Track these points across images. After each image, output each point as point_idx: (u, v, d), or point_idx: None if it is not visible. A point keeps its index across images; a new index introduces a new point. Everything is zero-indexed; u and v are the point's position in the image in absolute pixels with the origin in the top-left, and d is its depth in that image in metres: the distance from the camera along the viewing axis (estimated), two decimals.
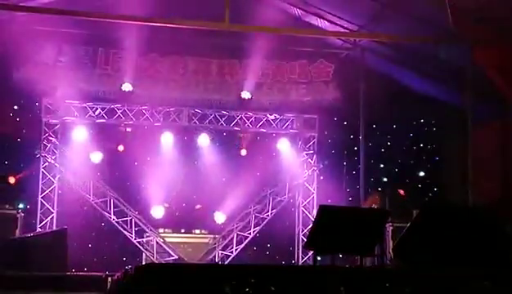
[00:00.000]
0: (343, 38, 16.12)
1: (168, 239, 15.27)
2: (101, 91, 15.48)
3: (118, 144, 15.83)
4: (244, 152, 16.26)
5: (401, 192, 15.28)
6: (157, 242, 15.23)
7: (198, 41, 15.27)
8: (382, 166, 16.69)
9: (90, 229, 15.34)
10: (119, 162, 15.83)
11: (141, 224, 15.35)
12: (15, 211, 13.40)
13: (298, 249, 16.20)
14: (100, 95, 15.49)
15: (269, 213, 16.02)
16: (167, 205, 15.82)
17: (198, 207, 16.01)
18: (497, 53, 13.20)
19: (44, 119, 15.43)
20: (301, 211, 16.40)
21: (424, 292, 6.63)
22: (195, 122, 16.01)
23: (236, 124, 16.15)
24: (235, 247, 15.64)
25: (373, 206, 13.96)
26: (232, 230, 15.68)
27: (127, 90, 15.34)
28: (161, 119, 15.87)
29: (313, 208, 15.99)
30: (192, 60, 15.89)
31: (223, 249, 15.51)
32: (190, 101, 15.94)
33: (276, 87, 16.17)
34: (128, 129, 15.96)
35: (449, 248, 7.36)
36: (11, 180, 14.50)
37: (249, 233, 15.80)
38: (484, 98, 14.20)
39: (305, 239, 14.36)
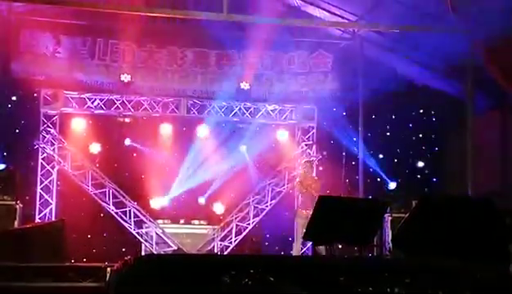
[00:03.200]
0: (341, 29, 16.10)
1: (167, 230, 15.27)
2: (99, 82, 15.47)
3: (117, 135, 15.84)
4: (244, 148, 16.17)
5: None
6: (156, 233, 15.24)
7: (196, 31, 15.25)
8: (381, 156, 16.68)
9: (89, 220, 15.33)
10: (118, 153, 15.82)
11: (140, 215, 15.36)
12: (13, 202, 13.39)
13: None
14: (98, 85, 15.48)
15: (268, 204, 16.01)
16: (166, 196, 15.81)
17: (202, 201, 15.99)
18: (497, 44, 13.18)
19: (43, 110, 15.38)
20: (300, 202, 16.37)
21: (424, 283, 6.62)
22: (193, 113, 15.99)
23: (235, 115, 16.13)
24: (234, 238, 15.65)
25: (305, 173, 13.18)
26: (231, 221, 15.68)
27: (125, 80, 15.35)
28: (160, 110, 15.85)
29: None
30: (191, 51, 15.87)
31: (222, 240, 15.52)
32: (189, 92, 15.92)
33: (275, 78, 16.15)
34: (127, 120, 15.96)
35: (448, 239, 7.35)
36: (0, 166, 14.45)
37: (248, 224, 15.80)
38: (484, 88, 14.21)
39: (304, 230, 14.34)
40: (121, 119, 15.90)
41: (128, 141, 15.82)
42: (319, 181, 13.08)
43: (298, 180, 13.08)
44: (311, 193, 12.33)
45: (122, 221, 15.32)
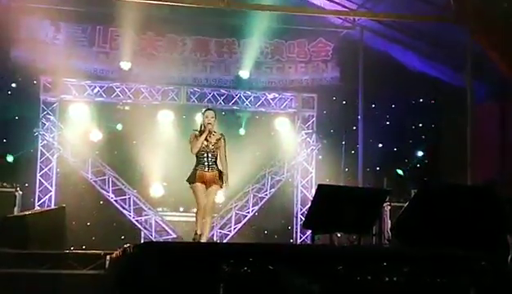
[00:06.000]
0: (342, 17, 16.06)
1: (166, 218, 15.30)
2: (99, 70, 15.46)
3: (116, 123, 15.83)
4: (242, 131, 16.19)
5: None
6: (155, 221, 15.27)
7: (197, 19, 15.23)
8: (380, 145, 16.69)
9: (88, 208, 15.36)
10: (118, 141, 15.82)
11: (139, 202, 15.39)
12: (13, 189, 13.39)
13: (297, 228, 16.22)
14: (98, 73, 15.47)
15: (267, 192, 16.05)
16: (165, 184, 15.82)
17: None
18: (497, 32, 13.16)
19: (42, 97, 15.37)
20: (299, 191, 16.40)
21: (422, 272, 6.64)
22: (193, 101, 15.98)
23: (235, 103, 16.12)
24: (233, 226, 15.68)
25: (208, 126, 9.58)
26: (231, 209, 15.70)
27: (125, 68, 15.33)
28: (159, 98, 15.84)
29: (312, 187, 15.98)
30: (191, 39, 15.85)
31: (221, 228, 15.55)
32: (189, 80, 15.92)
33: (275, 66, 16.16)
34: (127, 107, 15.96)
35: (447, 227, 7.37)
36: (9, 158, 14.49)
37: (248, 213, 15.84)
38: (484, 78, 14.19)
39: (303, 218, 14.37)
40: (121, 107, 15.90)
41: (120, 126, 15.78)
42: (223, 139, 9.69)
43: (195, 131, 9.72)
44: (213, 152, 9.57)
45: (121, 209, 15.35)
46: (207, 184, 9.55)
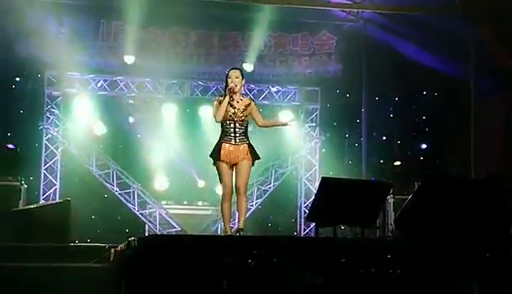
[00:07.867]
0: (345, 10, 16.05)
1: (170, 211, 15.34)
2: (103, 64, 15.48)
3: (121, 117, 15.85)
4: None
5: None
6: (160, 214, 15.31)
7: (200, 13, 15.23)
8: (384, 138, 16.68)
9: (93, 201, 15.38)
10: (122, 135, 15.85)
11: (143, 196, 15.43)
12: (18, 183, 13.41)
13: (301, 221, 16.24)
14: (102, 67, 15.49)
15: (271, 185, 16.07)
16: (169, 177, 15.85)
17: (201, 184, 16.00)
18: (501, 24, 13.15)
19: (47, 91, 15.43)
20: (303, 184, 16.43)
21: (426, 264, 6.66)
22: (197, 95, 16.00)
23: None
24: (237, 219, 15.67)
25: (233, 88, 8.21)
26: (234, 202, 15.68)
27: (129, 62, 15.34)
28: (163, 91, 15.87)
29: (315, 180, 15.99)
30: (194, 33, 15.85)
31: None
32: (193, 73, 15.93)
33: (279, 59, 16.15)
34: (131, 101, 15.98)
35: (451, 220, 7.38)
36: (10, 145, 14.51)
37: (252, 205, 15.84)
38: (488, 71, 14.18)
39: (307, 211, 14.39)
40: (125, 100, 15.92)
41: (131, 119, 15.84)
42: (254, 104, 8.40)
43: (218, 98, 8.36)
44: (242, 120, 8.27)
45: (126, 202, 15.39)
46: (234, 160, 8.23)
